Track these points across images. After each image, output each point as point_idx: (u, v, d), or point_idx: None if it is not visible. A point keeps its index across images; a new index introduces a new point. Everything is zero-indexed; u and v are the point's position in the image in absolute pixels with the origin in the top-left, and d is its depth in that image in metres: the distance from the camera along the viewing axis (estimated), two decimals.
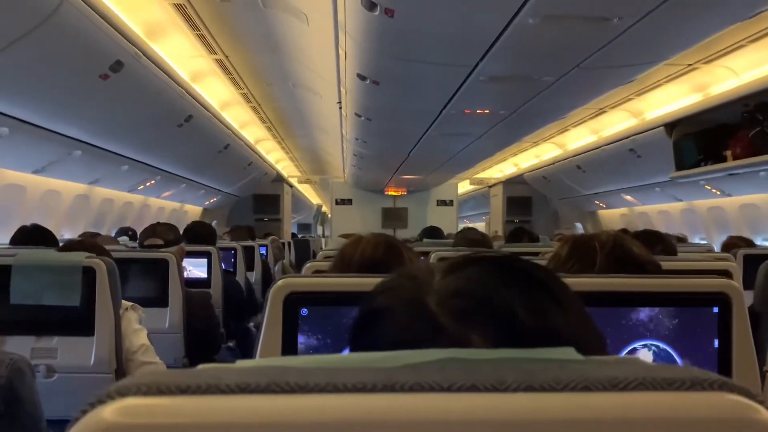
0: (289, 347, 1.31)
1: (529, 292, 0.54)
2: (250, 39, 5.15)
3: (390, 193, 12.29)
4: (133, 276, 3.20)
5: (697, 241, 7.84)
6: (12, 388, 1.69)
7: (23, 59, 3.29)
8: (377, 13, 2.79)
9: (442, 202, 12.75)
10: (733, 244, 4.59)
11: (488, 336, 0.51)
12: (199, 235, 4.17)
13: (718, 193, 7.08)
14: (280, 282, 1.34)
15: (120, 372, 2.46)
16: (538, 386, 0.39)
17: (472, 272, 0.56)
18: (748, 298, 2.58)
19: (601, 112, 7.35)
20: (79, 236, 4.88)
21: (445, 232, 9.48)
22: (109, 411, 0.36)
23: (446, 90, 4.04)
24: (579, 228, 12.02)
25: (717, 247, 5.62)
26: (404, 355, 0.45)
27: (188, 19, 4.68)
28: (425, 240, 4.47)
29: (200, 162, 7.69)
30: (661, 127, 6.28)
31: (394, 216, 12.54)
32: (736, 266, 2.40)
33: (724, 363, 1.37)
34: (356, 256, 1.57)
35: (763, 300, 2.36)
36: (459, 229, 13.02)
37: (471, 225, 19.48)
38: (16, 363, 1.73)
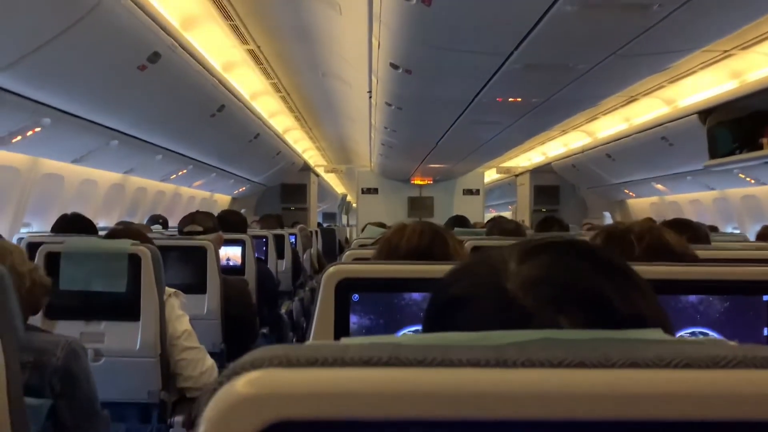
0: (341, 331, 1.34)
1: (613, 277, 0.55)
2: (281, 28, 5.18)
3: (416, 182, 12.27)
4: (173, 263, 3.25)
5: (729, 230, 7.72)
6: (68, 369, 1.75)
7: (66, 52, 3.36)
8: (414, 2, 2.80)
9: (468, 191, 12.69)
10: None
11: (577, 321, 0.53)
12: (230, 223, 4.22)
13: (753, 181, 6.97)
14: (331, 268, 1.37)
15: (164, 356, 2.53)
16: (642, 363, 0.41)
17: (550, 258, 0.57)
18: None
19: (633, 99, 7.26)
20: (116, 225, 4.99)
21: (471, 221, 9.46)
22: (243, 383, 0.38)
23: (480, 78, 4.03)
24: (607, 217, 11.90)
25: (751, 237, 5.53)
26: (505, 335, 0.47)
27: (222, 9, 4.73)
28: (456, 229, 4.48)
29: (231, 151, 7.78)
30: (695, 115, 6.18)
31: (420, 205, 12.53)
32: None
33: None
34: (403, 243, 1.59)
35: None
36: (485, 219, 12.96)
37: (496, 214, 19.38)
38: (71, 345, 1.79)
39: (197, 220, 3.65)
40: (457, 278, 0.62)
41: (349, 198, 18.62)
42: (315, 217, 13.08)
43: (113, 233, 2.73)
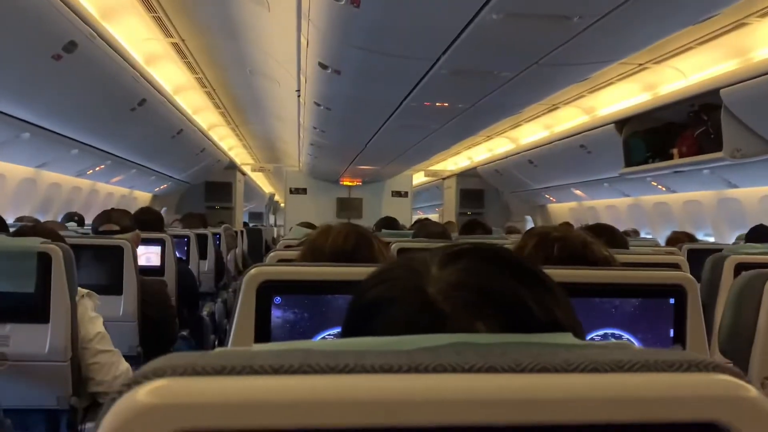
0: (261, 335, 1.32)
1: (530, 283, 0.57)
2: (207, 23, 5.06)
3: (345, 183, 12.27)
4: (86, 262, 3.12)
5: (643, 235, 8.11)
6: None
7: None
8: (343, 2, 2.79)
9: (396, 193, 12.81)
10: (677, 239, 4.79)
11: (494, 326, 0.53)
12: (147, 222, 4.08)
13: (664, 189, 7.35)
14: (253, 270, 1.34)
15: (75, 360, 2.42)
16: (551, 368, 0.42)
17: (470, 264, 0.58)
18: None
19: (554, 108, 7.51)
20: (16, 220, 4.73)
21: (400, 223, 9.53)
22: (144, 392, 0.37)
23: (408, 82, 4.07)
24: (529, 221, 12.27)
25: (661, 241, 5.84)
26: (417, 339, 0.47)
27: (144, 1, 4.57)
28: (383, 231, 4.51)
29: (152, 147, 7.53)
30: (612, 125, 6.46)
31: (349, 206, 12.54)
32: (684, 260, 2.52)
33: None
34: (327, 245, 1.58)
35: (709, 292, 2.47)
36: (413, 220, 13.08)
37: (424, 216, 19.63)
38: None
39: (113, 218, 3.52)
40: (378, 281, 0.61)
41: (276, 198, 18.39)
42: (241, 217, 12.84)
43: (22, 231, 2.58)
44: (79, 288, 2.46)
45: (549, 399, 0.40)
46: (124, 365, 2.54)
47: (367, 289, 0.62)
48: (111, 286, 3.13)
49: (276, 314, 1.32)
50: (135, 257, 3.20)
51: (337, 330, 1.30)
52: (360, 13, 2.88)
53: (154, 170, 8.94)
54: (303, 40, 3.87)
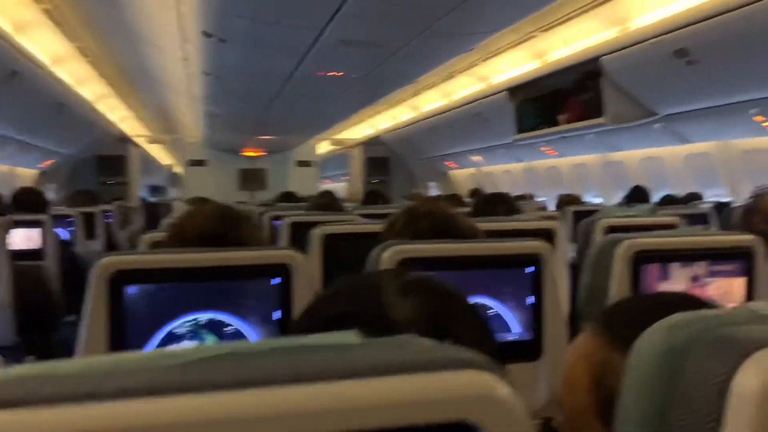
0: (115, 329, 1.26)
1: (471, 324, 0.62)
2: None
3: (248, 153, 11.98)
4: None
5: (541, 199, 8.45)
6: None
7: None
8: None
9: (302, 163, 12.67)
10: (565, 202, 5.01)
11: None
12: (28, 203, 3.84)
13: (555, 153, 7.66)
14: (104, 260, 1.28)
15: None
16: (304, 377, 0.41)
17: (430, 301, 0.61)
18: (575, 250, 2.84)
19: (451, 76, 7.61)
20: None
21: (306, 193, 9.49)
22: None
23: (297, 51, 3.99)
24: (433, 187, 12.50)
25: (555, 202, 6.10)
26: (187, 352, 0.45)
27: None
28: (279, 204, 4.45)
29: (31, 121, 7.02)
30: (504, 92, 6.63)
31: (252, 177, 12.28)
32: (559, 225, 2.63)
33: (537, 316, 1.51)
34: (191, 228, 1.52)
35: (583, 254, 2.60)
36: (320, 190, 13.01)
37: (332, 185, 19.57)
38: None
39: None
40: (332, 297, 0.62)
41: (177, 169, 17.75)
42: (137, 192, 12.30)
43: None
44: None
45: (274, 415, 0.39)
46: None
47: (320, 305, 0.62)
48: None
49: (130, 306, 1.26)
50: (3, 243, 3.00)
51: (194, 316, 1.26)
52: None
53: (37, 146, 8.37)
54: (183, 8, 3.69)
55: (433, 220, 1.57)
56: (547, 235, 2.57)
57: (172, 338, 1.29)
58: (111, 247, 5.79)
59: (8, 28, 4.93)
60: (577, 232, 2.74)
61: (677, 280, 1.59)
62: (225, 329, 1.29)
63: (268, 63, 4.38)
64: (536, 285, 1.49)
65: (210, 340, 1.28)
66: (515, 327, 1.49)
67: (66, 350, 3.60)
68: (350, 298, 0.61)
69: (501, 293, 1.50)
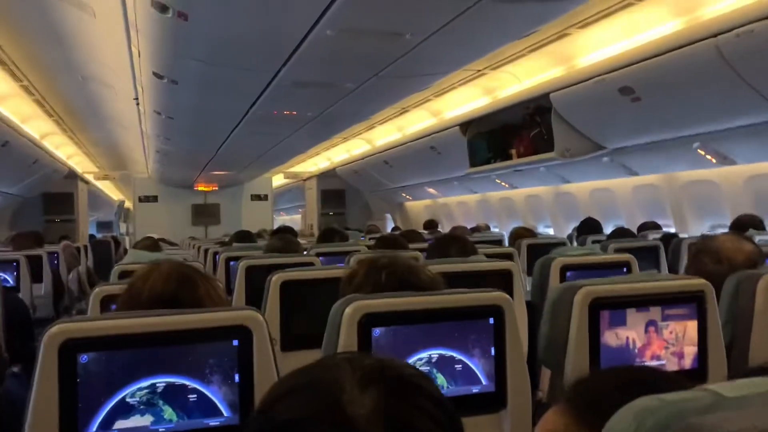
0: (67, 399, 1.21)
1: (441, 420, 0.59)
2: (26, 28, 4.61)
3: (200, 188, 11.81)
4: None
5: (493, 228, 8.56)
6: None
7: None
8: (170, 15, 2.65)
9: (256, 197, 12.55)
10: (519, 235, 5.08)
11: None
12: None
13: (507, 186, 7.80)
14: (54, 328, 1.23)
15: None
16: None
17: (391, 392, 0.59)
18: (530, 283, 2.87)
19: (405, 111, 7.71)
20: None
21: (261, 227, 9.33)
22: None
23: (251, 93, 3.97)
24: (389, 219, 12.55)
25: (506, 233, 6.20)
26: None
27: None
28: (235, 245, 4.38)
29: None
30: (457, 127, 6.74)
31: (205, 212, 12.09)
32: (516, 266, 2.66)
33: (500, 367, 1.52)
34: (145, 290, 1.48)
35: (539, 294, 2.63)
36: (275, 223, 12.90)
37: (286, 218, 19.43)
38: None
39: None
40: (285, 393, 0.59)
41: (127, 204, 17.36)
42: (86, 229, 11.97)
43: None
44: None
45: None
46: None
47: (272, 402, 0.59)
48: None
49: (83, 374, 1.21)
50: None
51: (148, 381, 1.22)
52: (190, 25, 2.76)
53: None
54: (134, 50, 3.65)
55: (394, 272, 1.57)
56: (504, 276, 2.60)
57: (125, 407, 1.24)
58: (57, 290, 5.60)
59: None
60: (533, 270, 2.79)
61: (633, 326, 1.63)
62: (185, 395, 1.25)
63: (221, 103, 4.35)
64: (498, 336, 1.50)
65: (167, 411, 1.23)
66: (481, 378, 1.49)
67: (9, 404, 3.44)
68: (308, 399, 0.59)
69: (465, 344, 1.50)
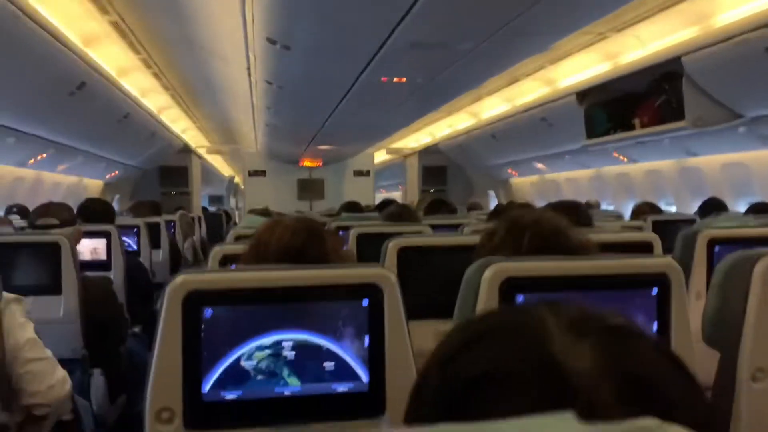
0: (190, 353, 1.13)
1: (674, 371, 0.46)
2: (146, 0, 4.74)
3: (305, 164, 12.01)
4: (21, 261, 2.89)
5: (604, 206, 8.10)
6: None
7: None
8: None
9: (358, 173, 12.62)
10: (641, 211, 4.70)
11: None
12: (95, 213, 3.84)
13: (626, 160, 7.32)
14: (178, 279, 1.15)
15: (3, 372, 2.19)
16: None
17: (611, 342, 0.45)
18: None
19: (515, 81, 7.38)
20: None
21: (363, 203, 9.41)
22: None
23: (363, 56, 3.86)
24: (492, 196, 12.22)
25: (624, 211, 5.80)
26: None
27: None
28: (344, 215, 4.34)
29: (98, 133, 7.16)
30: (572, 96, 6.36)
31: (310, 187, 12.30)
32: (656, 237, 2.40)
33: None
34: (273, 243, 1.40)
35: (683, 271, 2.36)
36: (376, 200, 12.97)
37: (387, 194, 19.51)
38: None
39: (52, 212, 3.28)
40: (473, 342, 0.46)
41: (237, 180, 18.02)
42: (199, 202, 12.49)
43: None
44: (4, 294, 2.22)
45: None
46: (61, 373, 2.31)
47: (456, 353, 0.47)
48: (49, 286, 2.91)
49: (208, 328, 1.13)
50: (74, 253, 2.97)
51: (272, 338, 1.12)
52: None
53: (104, 157, 8.55)
54: (248, 15, 3.62)
55: (539, 233, 1.39)
56: (644, 249, 2.35)
57: (248, 368, 1.15)
58: (174, 257, 5.82)
59: (77, 41, 5.00)
60: (675, 244, 2.51)
61: None
62: (313, 356, 1.15)
63: (332, 69, 4.27)
64: (662, 309, 1.28)
65: (291, 376, 1.13)
66: None
67: (131, 363, 3.53)
68: (503, 347, 0.45)
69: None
